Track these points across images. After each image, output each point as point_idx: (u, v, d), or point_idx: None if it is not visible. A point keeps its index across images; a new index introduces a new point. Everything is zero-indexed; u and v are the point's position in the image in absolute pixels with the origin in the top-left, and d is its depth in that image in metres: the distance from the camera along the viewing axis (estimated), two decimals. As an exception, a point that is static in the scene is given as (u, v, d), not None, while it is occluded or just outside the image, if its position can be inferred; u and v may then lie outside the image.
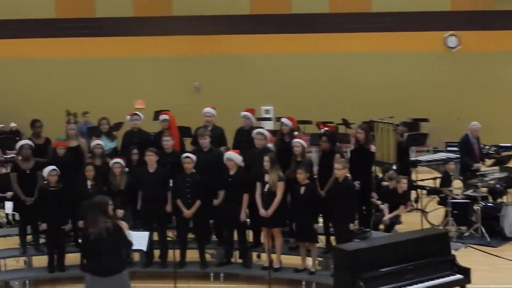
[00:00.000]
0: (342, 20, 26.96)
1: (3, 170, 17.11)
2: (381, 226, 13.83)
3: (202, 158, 12.26)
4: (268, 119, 24.91)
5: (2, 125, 24.15)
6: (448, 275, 9.51)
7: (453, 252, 10.03)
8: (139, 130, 13.32)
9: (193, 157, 12.01)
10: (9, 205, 13.40)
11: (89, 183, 11.83)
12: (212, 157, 12.29)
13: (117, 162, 12.12)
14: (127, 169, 12.28)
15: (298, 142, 11.86)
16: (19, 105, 26.33)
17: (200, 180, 11.90)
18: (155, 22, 27.11)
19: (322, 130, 12.82)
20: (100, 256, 8.42)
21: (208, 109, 13.09)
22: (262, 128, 13.74)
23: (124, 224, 8.81)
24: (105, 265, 8.41)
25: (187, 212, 11.83)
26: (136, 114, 13.37)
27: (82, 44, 27.13)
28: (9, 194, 13.98)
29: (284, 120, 12.57)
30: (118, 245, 8.56)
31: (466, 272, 9.59)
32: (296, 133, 12.79)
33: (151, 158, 12.01)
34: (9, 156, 17.90)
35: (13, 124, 24.22)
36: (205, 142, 12.36)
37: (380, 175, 15.38)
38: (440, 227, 14.28)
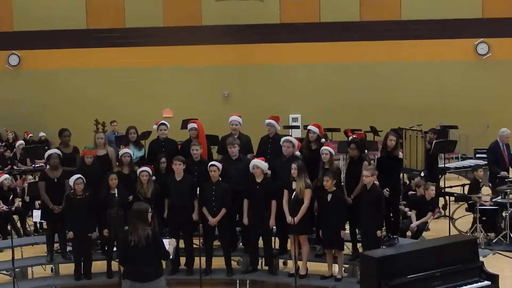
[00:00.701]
0: (371, 29, 26.87)
1: (32, 179, 17.24)
2: (409, 233, 13.74)
3: (232, 166, 12.29)
4: (296, 127, 24.89)
5: (31, 135, 24.45)
6: (476, 282, 9.39)
7: (481, 258, 9.92)
8: (166, 138, 13.33)
9: (219, 165, 12.00)
10: (37, 214, 13.48)
11: (112, 192, 11.86)
12: (241, 165, 12.28)
13: (144, 170, 12.14)
14: (154, 178, 12.29)
15: (327, 150, 11.80)
16: (48, 115, 26.62)
17: (226, 188, 11.89)
18: (185, 32, 27.22)
19: (350, 138, 12.66)
20: (139, 262, 8.53)
21: (234, 117, 13.07)
22: (289, 135, 13.69)
23: (172, 242, 9.11)
24: (144, 271, 8.55)
25: (212, 220, 11.83)
26: (163, 123, 13.37)
27: (112, 54, 27.36)
28: (37, 202, 14.11)
29: (310, 127, 12.50)
30: (156, 251, 8.66)
31: (494, 278, 9.47)
32: (323, 140, 12.70)
33: (178, 167, 12.02)
34: (38, 165, 18.06)
35: (42, 134, 24.54)
36: (234, 150, 12.33)
37: (408, 182, 15.27)
38: (468, 234, 14.14)
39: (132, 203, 11.71)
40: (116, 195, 11.84)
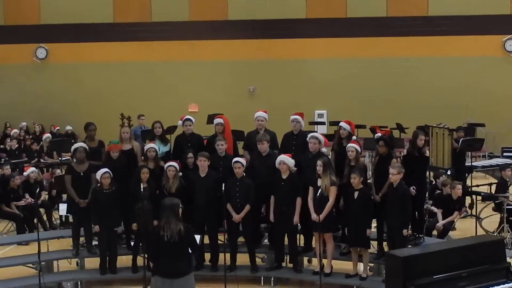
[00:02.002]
0: (398, 24, 26.75)
1: (60, 172, 17.34)
2: (434, 232, 13.64)
3: (262, 162, 12.27)
4: (322, 123, 24.83)
5: (58, 128, 24.59)
6: (503, 283, 9.30)
7: (508, 259, 9.83)
8: (192, 133, 13.32)
9: (243, 161, 12.00)
10: (63, 207, 13.54)
11: (142, 185, 11.85)
12: (271, 162, 12.20)
13: (171, 165, 12.10)
14: (180, 174, 12.28)
15: (353, 147, 11.74)
16: (75, 108, 26.78)
17: (250, 185, 11.88)
18: (211, 26, 27.24)
19: (378, 135, 12.56)
20: (171, 258, 8.57)
21: (260, 113, 13.02)
22: (315, 132, 13.62)
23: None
24: (176, 266, 8.57)
25: (236, 217, 11.82)
26: (188, 119, 13.35)
27: (139, 48, 27.48)
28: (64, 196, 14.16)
29: (342, 124, 12.42)
30: (188, 247, 8.69)
31: (521, 280, 9.40)
32: (354, 137, 12.62)
33: (203, 164, 12.02)
34: (64, 158, 18.15)
35: (68, 127, 24.68)
36: (264, 147, 12.28)
37: (434, 181, 15.17)
38: (495, 234, 14.02)
39: (158, 198, 11.84)
40: (145, 189, 11.83)
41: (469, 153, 17.67)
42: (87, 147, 12.83)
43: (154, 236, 8.78)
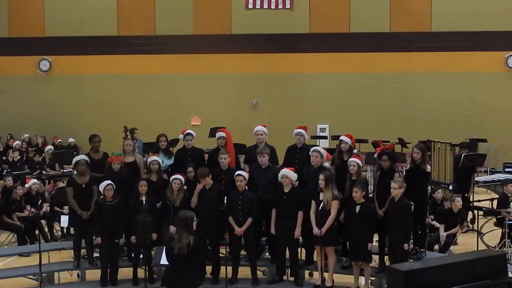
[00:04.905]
0: (401, 39, 26.77)
1: (61, 184, 17.35)
2: (436, 247, 13.63)
3: (261, 175, 12.30)
4: (324, 137, 24.84)
5: (60, 140, 24.61)
6: (504, 298, 9.30)
7: (510, 274, 9.81)
8: (192, 148, 13.35)
9: (245, 175, 12.03)
10: (64, 219, 13.56)
11: (141, 198, 11.86)
12: (270, 174, 12.26)
13: (177, 178, 12.14)
14: (185, 187, 12.29)
15: (354, 161, 11.77)
16: (77, 120, 26.81)
17: (252, 198, 11.89)
18: (214, 40, 27.30)
19: (377, 153, 12.54)
20: (180, 270, 8.63)
21: (260, 127, 13.06)
22: (317, 146, 13.65)
23: None
24: (183, 279, 8.64)
25: (238, 230, 11.84)
26: (189, 134, 13.37)
27: (142, 61, 27.50)
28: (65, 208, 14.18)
29: (343, 137, 12.46)
30: (197, 260, 8.75)
31: (522, 295, 9.37)
32: (355, 151, 12.65)
33: (206, 182, 12.04)
34: (66, 170, 18.17)
35: (71, 139, 24.71)
36: (264, 160, 12.33)
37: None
38: (496, 249, 14.01)
39: (160, 211, 11.87)
40: (145, 202, 11.84)
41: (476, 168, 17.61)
42: (88, 160, 12.83)
43: (167, 246, 8.83)
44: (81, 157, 12.96)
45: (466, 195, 16.22)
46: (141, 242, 11.78)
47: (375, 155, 12.76)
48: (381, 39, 26.88)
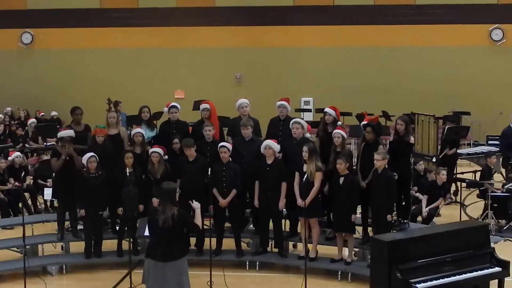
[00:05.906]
0: (385, 12, 26.78)
1: (45, 157, 17.29)
2: (419, 218, 13.71)
3: (244, 147, 12.29)
4: (308, 110, 24.87)
5: (43, 113, 24.51)
6: (487, 268, 9.39)
7: (492, 244, 9.89)
8: (177, 120, 13.30)
9: (229, 146, 12.00)
10: (48, 192, 13.49)
11: (127, 170, 11.81)
12: (254, 147, 12.23)
13: (155, 151, 12.11)
14: (166, 157, 12.26)
15: (339, 133, 11.73)
16: (60, 94, 26.69)
17: (236, 169, 11.88)
18: (198, 12, 27.20)
19: (363, 123, 12.54)
20: (164, 242, 8.62)
21: (243, 100, 13.02)
22: (301, 118, 13.62)
23: (196, 204, 9.12)
24: (169, 250, 8.62)
25: (223, 201, 11.83)
26: (174, 106, 13.32)
27: (125, 34, 27.37)
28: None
29: (327, 109, 12.40)
30: (181, 232, 8.77)
31: (505, 265, 9.46)
32: (339, 123, 12.61)
33: (190, 153, 12.00)
34: (49, 143, 18.09)
35: (53, 113, 24.60)
36: (247, 132, 12.29)
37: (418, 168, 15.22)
38: (479, 220, 14.10)
39: (145, 182, 11.84)
40: (131, 174, 11.81)
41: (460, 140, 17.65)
42: (73, 135, 12.73)
43: (150, 218, 8.82)
44: (66, 132, 12.84)
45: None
46: (129, 215, 11.74)
47: (362, 124, 12.72)
48: (365, 12, 26.85)
